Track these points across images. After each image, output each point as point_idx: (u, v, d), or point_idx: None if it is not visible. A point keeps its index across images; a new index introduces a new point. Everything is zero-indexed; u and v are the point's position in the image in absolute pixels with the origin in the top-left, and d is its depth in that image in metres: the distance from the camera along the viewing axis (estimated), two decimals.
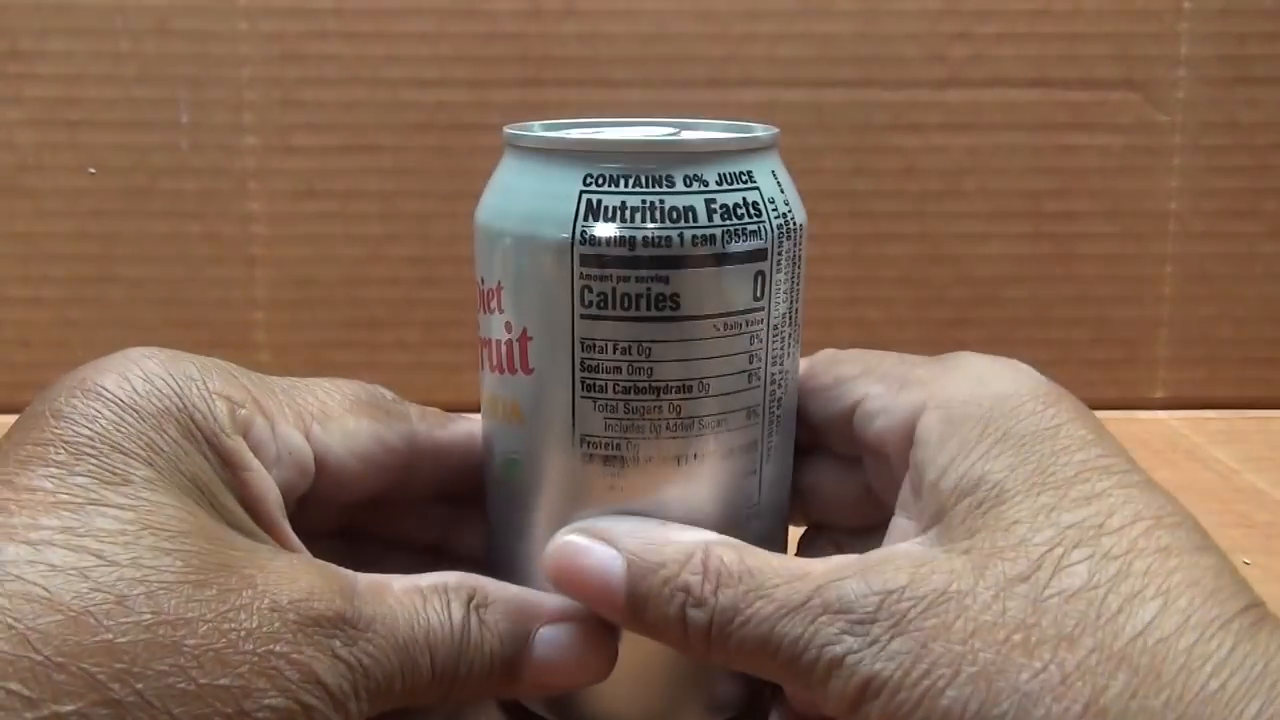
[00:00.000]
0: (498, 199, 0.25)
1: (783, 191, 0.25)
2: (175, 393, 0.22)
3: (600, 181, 0.23)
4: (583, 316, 0.23)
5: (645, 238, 0.23)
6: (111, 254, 0.50)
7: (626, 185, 0.23)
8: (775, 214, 0.24)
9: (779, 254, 0.24)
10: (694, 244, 0.23)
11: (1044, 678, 0.19)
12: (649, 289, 0.23)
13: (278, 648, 0.20)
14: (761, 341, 0.24)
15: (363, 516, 0.28)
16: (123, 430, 0.21)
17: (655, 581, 0.23)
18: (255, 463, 0.23)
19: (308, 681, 0.20)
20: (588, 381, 0.24)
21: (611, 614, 0.23)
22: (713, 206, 0.23)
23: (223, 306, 0.50)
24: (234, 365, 0.25)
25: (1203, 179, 0.51)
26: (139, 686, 0.18)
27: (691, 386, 0.24)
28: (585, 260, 0.23)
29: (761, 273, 0.24)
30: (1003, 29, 0.50)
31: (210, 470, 0.22)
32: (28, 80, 0.48)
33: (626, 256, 0.23)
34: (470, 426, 0.28)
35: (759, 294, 0.24)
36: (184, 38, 0.48)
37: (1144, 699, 0.18)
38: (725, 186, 0.24)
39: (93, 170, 0.49)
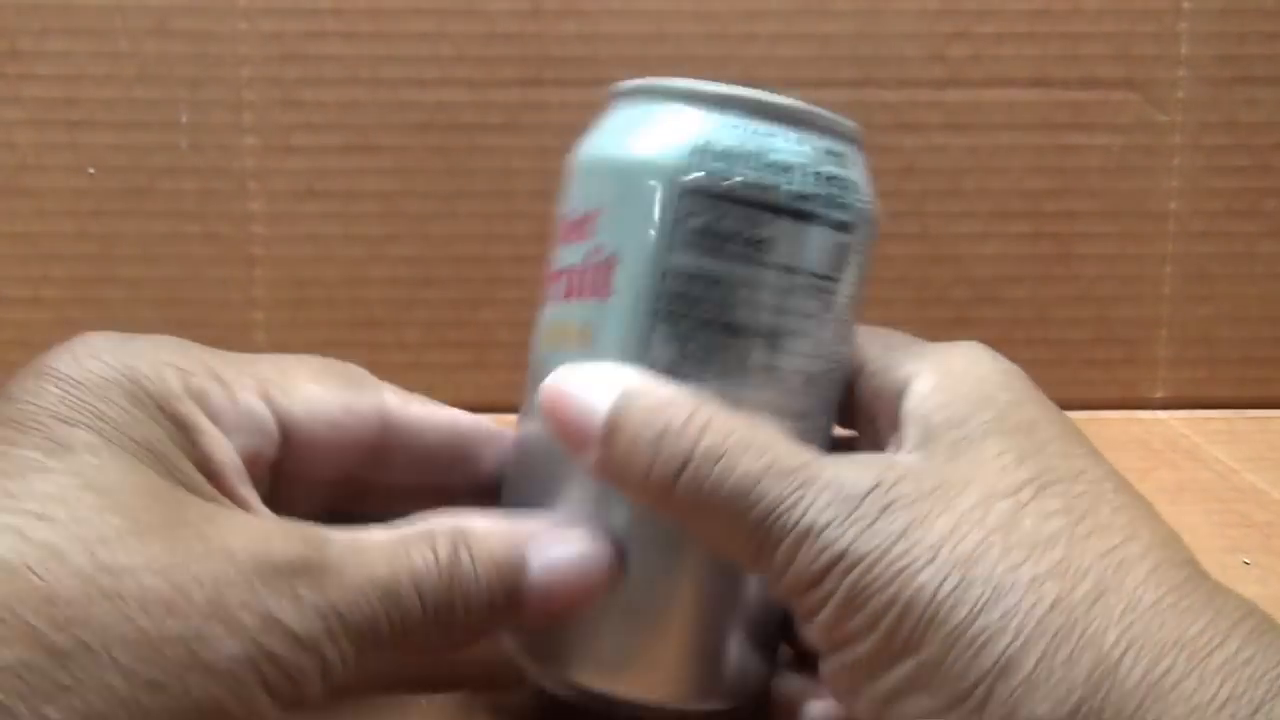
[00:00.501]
0: (606, 136, 0.26)
1: (868, 184, 0.26)
2: (123, 364, 0.23)
3: (714, 128, 0.25)
4: (676, 246, 0.24)
5: (748, 182, 0.24)
6: (111, 254, 0.50)
7: (737, 134, 0.25)
8: (861, 199, 0.26)
9: (860, 235, 0.25)
10: (791, 198, 0.24)
11: (1018, 574, 0.20)
12: (743, 230, 0.24)
13: (232, 593, 0.19)
14: (830, 314, 0.25)
15: (345, 501, 0.27)
16: (68, 403, 0.21)
17: (640, 406, 0.22)
18: (210, 426, 0.23)
19: (268, 626, 0.19)
20: (667, 310, 0.24)
21: (585, 442, 0.23)
22: (813, 170, 0.25)
23: (223, 306, 0.50)
24: (192, 342, 0.24)
25: (1203, 179, 0.51)
26: (80, 634, 0.17)
27: (764, 334, 0.24)
28: (689, 193, 0.24)
29: (843, 245, 0.25)
30: (1003, 29, 0.50)
31: (164, 436, 0.22)
32: (28, 80, 0.48)
33: (728, 196, 0.24)
34: (451, 414, 0.27)
35: (837, 266, 0.25)
36: (184, 38, 0.48)
37: (1105, 604, 0.20)
38: (825, 158, 0.25)
39: (93, 170, 0.49)
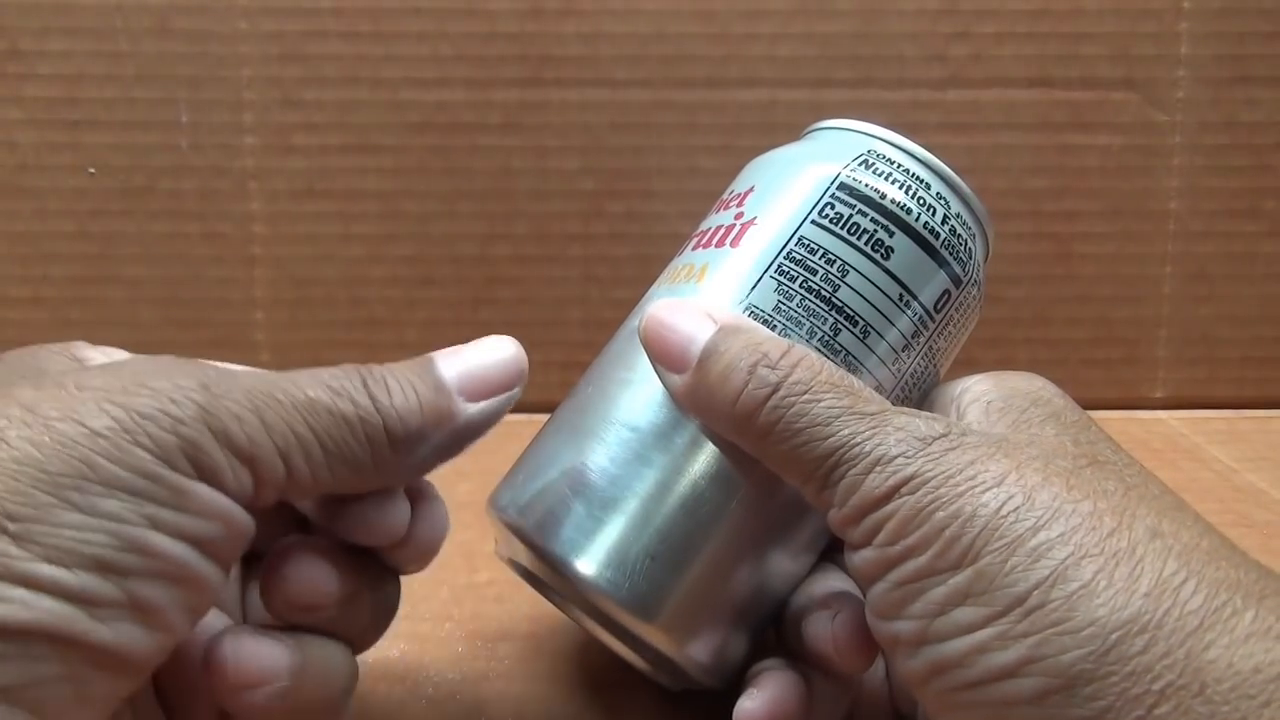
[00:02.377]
0: (783, 145, 0.30)
1: (982, 266, 0.30)
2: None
3: (879, 154, 0.29)
4: (813, 221, 0.28)
5: (893, 198, 0.28)
6: (111, 254, 0.50)
7: (897, 165, 0.28)
8: (975, 270, 0.29)
9: (964, 297, 0.29)
10: (924, 227, 0.28)
11: (1079, 505, 0.21)
12: (875, 231, 0.27)
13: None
14: (918, 345, 0.28)
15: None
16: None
17: (738, 341, 0.24)
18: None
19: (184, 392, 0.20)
20: (781, 265, 0.27)
21: (682, 366, 0.25)
22: (948, 220, 0.28)
23: (223, 306, 0.50)
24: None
25: (1203, 179, 0.51)
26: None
27: (857, 322, 0.27)
28: (842, 185, 0.28)
29: (948, 294, 0.28)
30: (1003, 29, 0.50)
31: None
32: (28, 80, 0.48)
33: (874, 200, 0.28)
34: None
35: (937, 308, 0.28)
36: (184, 38, 0.48)
37: (1163, 542, 0.21)
38: (959, 219, 0.29)
39: (92, 170, 0.49)
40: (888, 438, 0.22)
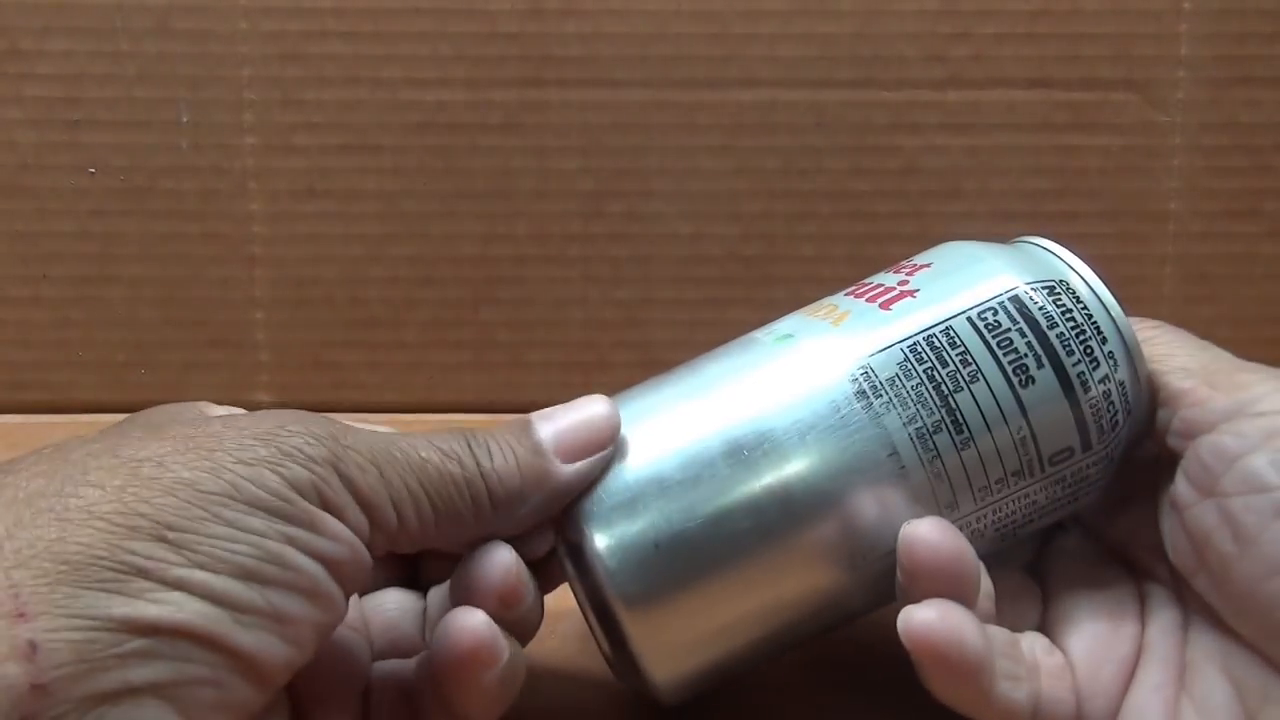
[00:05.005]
0: (979, 243, 0.30)
1: (1121, 448, 0.28)
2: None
3: (1070, 287, 0.27)
4: (968, 319, 0.26)
5: (1060, 333, 0.26)
6: (111, 254, 0.50)
7: (1081, 305, 0.27)
8: (1115, 445, 0.27)
9: (1089, 461, 0.27)
10: (1077, 376, 0.26)
11: None
12: (1024, 355, 0.26)
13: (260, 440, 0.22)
14: (1017, 486, 0.26)
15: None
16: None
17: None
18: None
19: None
20: (917, 347, 0.26)
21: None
22: (1106, 381, 0.27)
23: (223, 306, 0.50)
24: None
25: (1203, 179, 0.51)
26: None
27: (962, 430, 0.26)
28: (1014, 299, 0.27)
29: (1072, 450, 0.26)
30: (1003, 29, 0.50)
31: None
32: (28, 80, 0.48)
33: (1038, 325, 0.26)
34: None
35: (1054, 460, 0.26)
36: (184, 38, 0.48)
37: None
38: (1115, 387, 0.27)
39: (93, 170, 0.49)
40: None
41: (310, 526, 0.21)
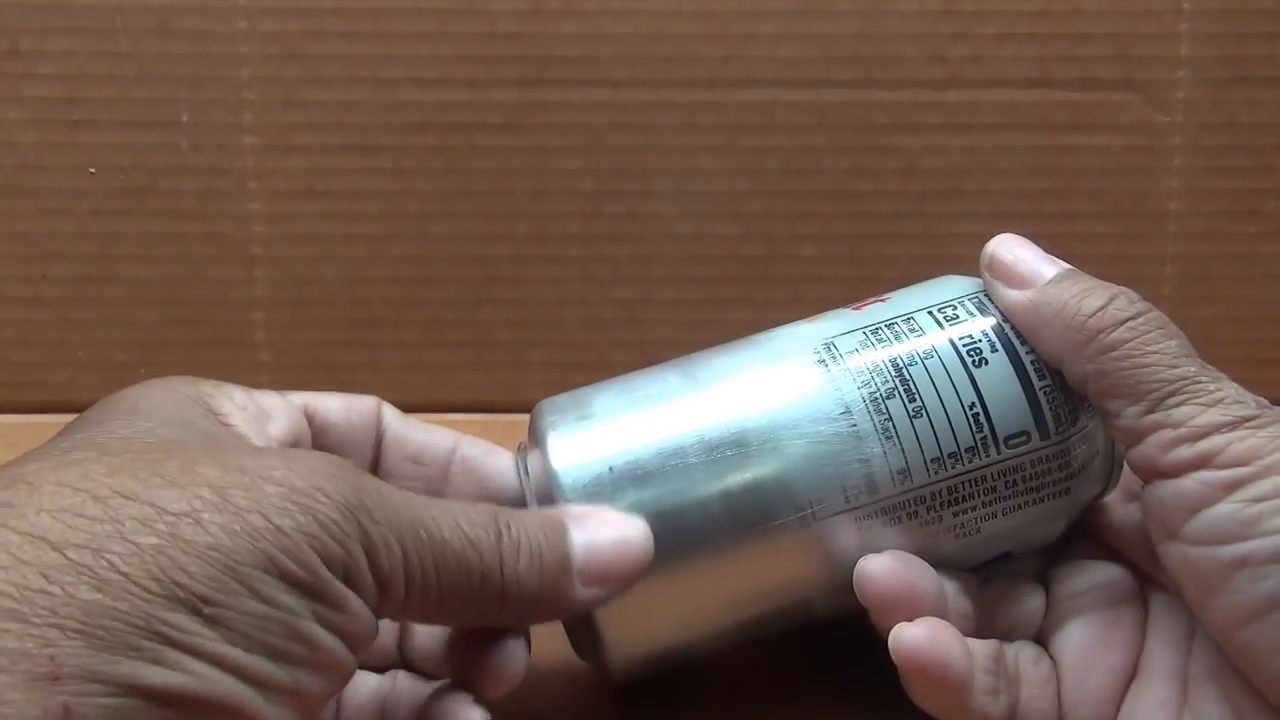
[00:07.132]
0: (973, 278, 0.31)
1: (1078, 450, 0.28)
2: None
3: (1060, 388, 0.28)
4: (929, 312, 0.29)
5: (1015, 327, 0.28)
6: (111, 254, 0.50)
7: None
8: (1073, 441, 0.28)
9: (1046, 454, 0.27)
10: (1027, 360, 0.27)
11: None
12: (978, 340, 0.28)
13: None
14: (970, 464, 0.27)
15: None
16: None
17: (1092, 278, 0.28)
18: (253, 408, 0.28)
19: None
20: (879, 330, 0.28)
21: (1029, 283, 0.27)
22: (1066, 387, 0.27)
23: (223, 306, 0.50)
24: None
25: (1203, 179, 0.51)
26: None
27: (915, 398, 0.27)
28: (973, 298, 0.29)
29: (1028, 434, 0.27)
30: (1003, 29, 0.50)
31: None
32: (28, 80, 0.48)
33: (995, 317, 0.28)
34: (453, 437, 0.30)
35: (1009, 443, 0.27)
36: (184, 38, 0.48)
37: None
38: (1066, 394, 0.28)
39: (93, 170, 0.49)
40: (1229, 386, 0.26)
41: (338, 606, 0.21)
